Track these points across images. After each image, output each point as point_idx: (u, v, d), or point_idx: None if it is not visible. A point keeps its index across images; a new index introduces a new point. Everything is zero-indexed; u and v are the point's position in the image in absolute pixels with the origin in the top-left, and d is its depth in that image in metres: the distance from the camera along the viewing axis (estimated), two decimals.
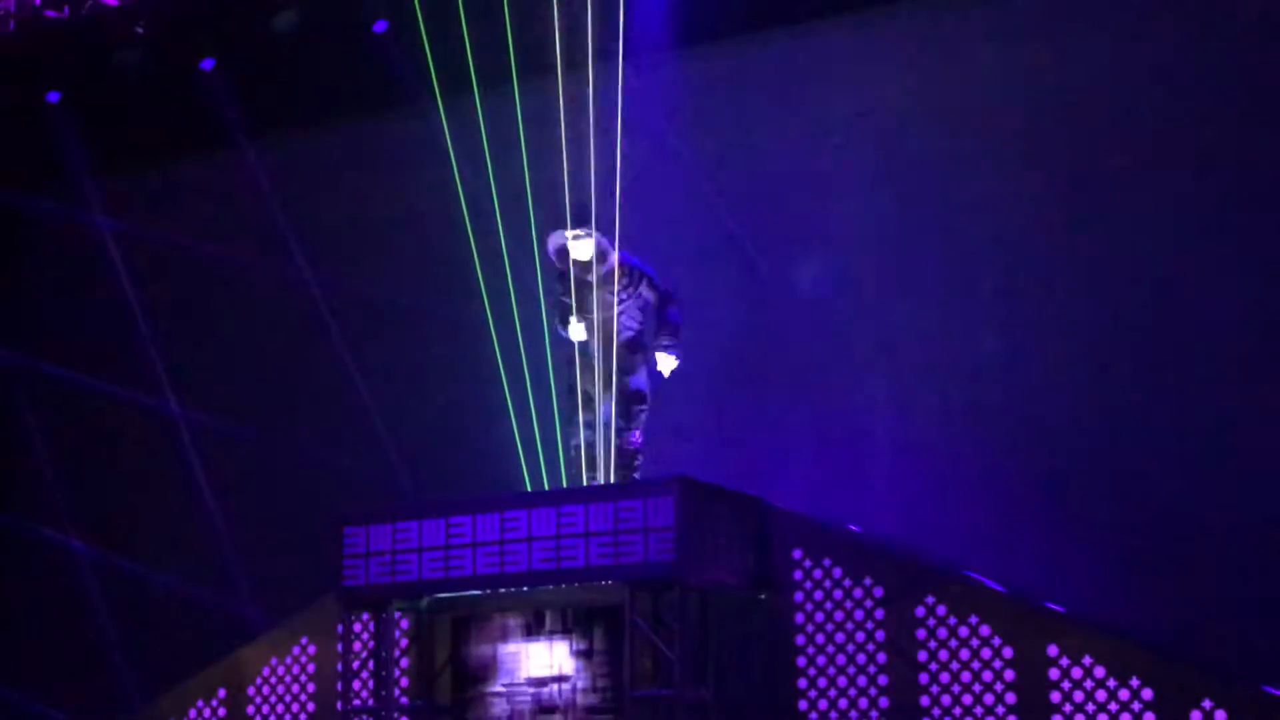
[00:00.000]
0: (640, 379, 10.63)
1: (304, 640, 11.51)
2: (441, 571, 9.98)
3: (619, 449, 10.56)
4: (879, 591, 9.72)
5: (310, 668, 11.46)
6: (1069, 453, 11.56)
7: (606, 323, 10.52)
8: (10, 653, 15.59)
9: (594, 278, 10.52)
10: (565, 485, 10.59)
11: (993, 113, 12.22)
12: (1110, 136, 11.85)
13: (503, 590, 9.93)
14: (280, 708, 11.54)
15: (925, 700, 9.52)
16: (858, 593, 9.77)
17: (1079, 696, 9.12)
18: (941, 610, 9.55)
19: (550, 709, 9.97)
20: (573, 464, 10.57)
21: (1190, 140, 11.61)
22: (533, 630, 10.13)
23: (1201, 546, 10.97)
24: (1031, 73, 12.16)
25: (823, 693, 9.77)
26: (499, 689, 10.16)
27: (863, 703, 9.66)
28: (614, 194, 10.60)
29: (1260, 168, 11.41)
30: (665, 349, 10.58)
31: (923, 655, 9.56)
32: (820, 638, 9.82)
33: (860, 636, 9.72)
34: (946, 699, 9.46)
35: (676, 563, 9.17)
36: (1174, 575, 10.99)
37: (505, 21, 12.01)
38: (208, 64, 14.57)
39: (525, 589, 9.87)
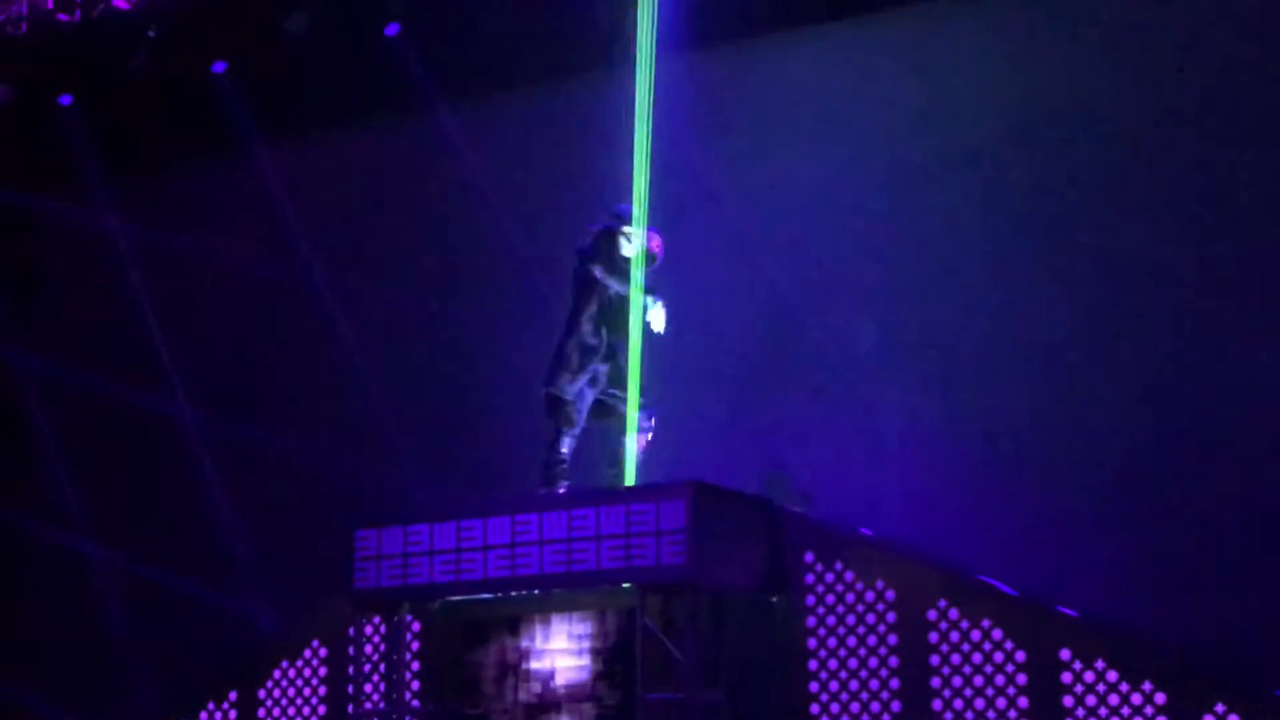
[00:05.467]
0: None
1: (315, 643, 11.52)
2: (453, 574, 9.97)
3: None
4: (891, 595, 9.71)
5: (322, 670, 11.46)
6: (1082, 455, 11.51)
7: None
8: (21, 654, 15.60)
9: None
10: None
11: (1011, 117, 12.15)
12: (1147, 135, 11.74)
13: (514, 593, 9.93)
14: (291, 710, 11.54)
15: (938, 704, 9.51)
16: (869, 596, 9.76)
17: (1091, 700, 9.11)
18: (954, 614, 9.54)
19: (561, 711, 9.96)
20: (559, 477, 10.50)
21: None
22: (544, 633, 10.13)
23: (1215, 551, 10.92)
24: (1057, 78, 12.07)
25: (834, 696, 9.76)
26: (510, 691, 10.15)
27: (874, 706, 9.65)
28: (642, 192, 10.58)
29: None
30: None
31: (934, 659, 9.55)
32: (832, 641, 9.81)
33: (872, 640, 9.71)
34: (959, 703, 9.45)
35: (688, 566, 9.16)
36: (1188, 580, 10.93)
37: (519, 24, 12.01)
38: (219, 67, 14.58)
39: (536, 592, 9.88)
